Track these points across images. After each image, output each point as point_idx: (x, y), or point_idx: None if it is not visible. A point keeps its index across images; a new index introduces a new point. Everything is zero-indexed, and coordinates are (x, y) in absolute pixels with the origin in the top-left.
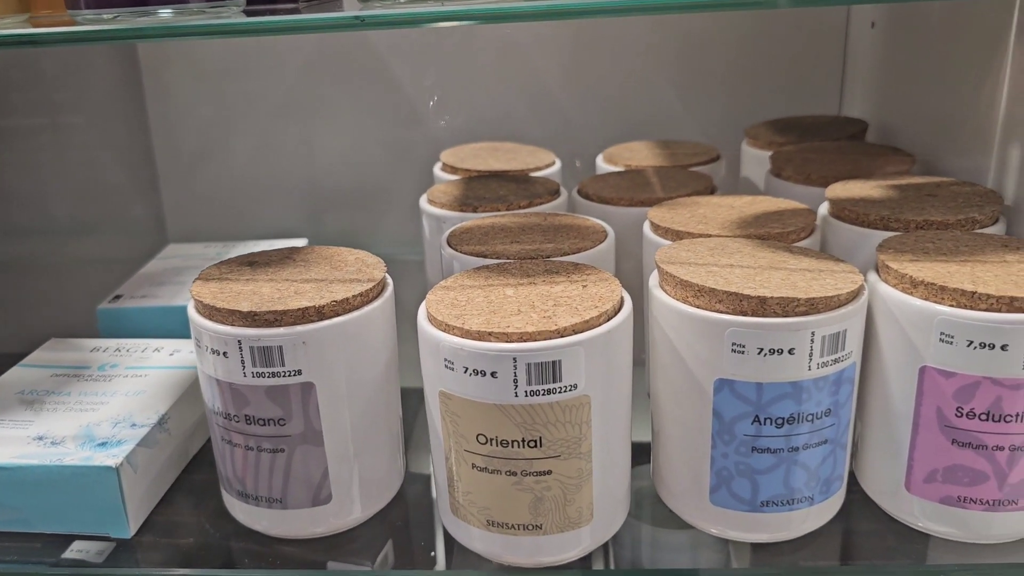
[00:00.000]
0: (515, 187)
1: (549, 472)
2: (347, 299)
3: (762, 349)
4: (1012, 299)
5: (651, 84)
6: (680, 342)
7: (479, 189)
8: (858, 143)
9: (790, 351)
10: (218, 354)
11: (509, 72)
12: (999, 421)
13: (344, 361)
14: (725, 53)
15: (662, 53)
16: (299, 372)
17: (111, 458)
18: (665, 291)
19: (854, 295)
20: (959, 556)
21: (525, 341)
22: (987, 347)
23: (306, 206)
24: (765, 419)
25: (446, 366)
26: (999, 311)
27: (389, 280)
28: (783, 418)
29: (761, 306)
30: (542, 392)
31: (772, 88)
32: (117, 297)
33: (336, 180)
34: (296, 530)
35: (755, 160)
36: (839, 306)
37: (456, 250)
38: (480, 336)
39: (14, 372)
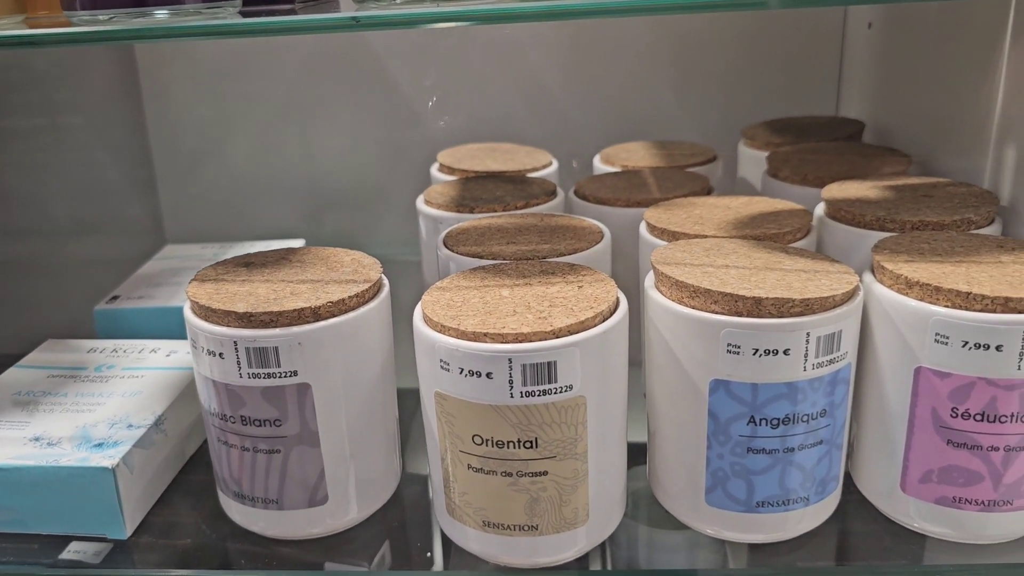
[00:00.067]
0: (512, 188)
1: (545, 473)
2: (343, 300)
3: (757, 350)
4: (1007, 300)
5: (649, 85)
6: (676, 343)
7: (476, 190)
8: (855, 144)
9: (785, 352)
10: (214, 355)
11: (507, 72)
12: (994, 422)
13: (340, 362)
14: (723, 54)
15: (660, 54)
16: (295, 373)
17: (107, 459)
18: (661, 292)
19: (849, 296)
20: (955, 556)
21: (520, 342)
22: (982, 348)
23: (304, 207)
24: (760, 420)
25: (442, 367)
26: (994, 312)
27: (385, 281)
28: (778, 419)
29: (756, 307)
30: (538, 393)
31: (769, 89)
32: (114, 298)
33: (334, 181)
34: (292, 531)
35: (752, 160)
36: (834, 307)
37: (452, 251)
38: (475, 337)
39: (11, 373)
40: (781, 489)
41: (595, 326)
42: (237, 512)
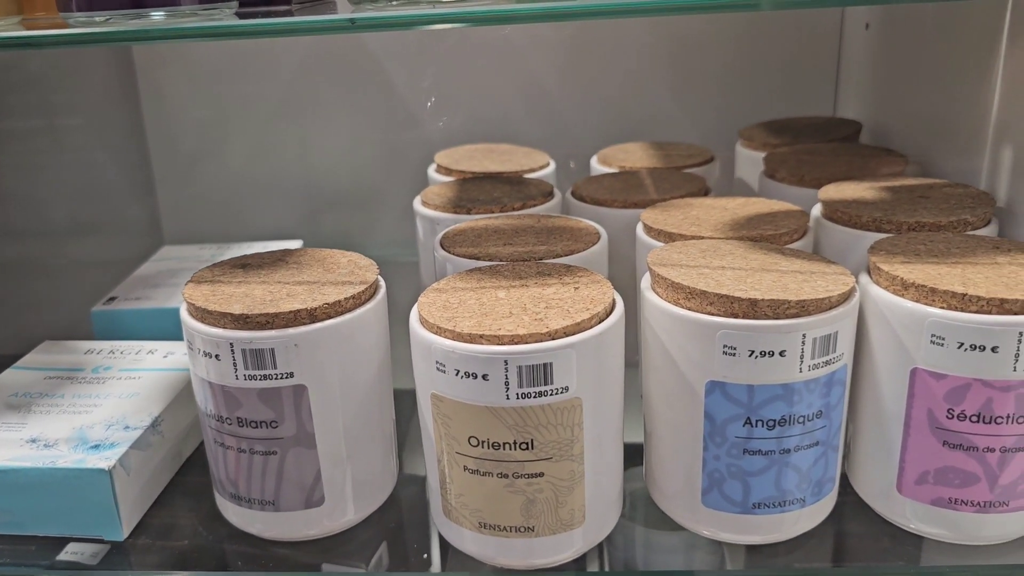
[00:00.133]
0: (509, 189)
1: (541, 474)
2: (339, 301)
3: (753, 351)
4: (1002, 301)
5: (646, 85)
6: (672, 344)
7: (473, 191)
8: (852, 144)
9: (781, 353)
10: (210, 356)
11: (504, 73)
12: (990, 423)
13: (336, 363)
14: (720, 54)
15: (657, 55)
16: (291, 375)
17: (104, 461)
18: (657, 293)
19: (845, 297)
20: (951, 558)
21: (516, 344)
22: (978, 349)
23: (301, 207)
24: (756, 421)
25: (438, 368)
26: (989, 313)
27: (382, 282)
28: (774, 420)
29: (752, 308)
30: (533, 394)
31: (767, 89)
32: (112, 299)
33: (331, 181)
34: (289, 532)
35: (749, 161)
36: (830, 308)
37: (449, 252)
38: (471, 339)
39: (8, 374)
40: (777, 490)
41: (591, 328)
42: (234, 514)
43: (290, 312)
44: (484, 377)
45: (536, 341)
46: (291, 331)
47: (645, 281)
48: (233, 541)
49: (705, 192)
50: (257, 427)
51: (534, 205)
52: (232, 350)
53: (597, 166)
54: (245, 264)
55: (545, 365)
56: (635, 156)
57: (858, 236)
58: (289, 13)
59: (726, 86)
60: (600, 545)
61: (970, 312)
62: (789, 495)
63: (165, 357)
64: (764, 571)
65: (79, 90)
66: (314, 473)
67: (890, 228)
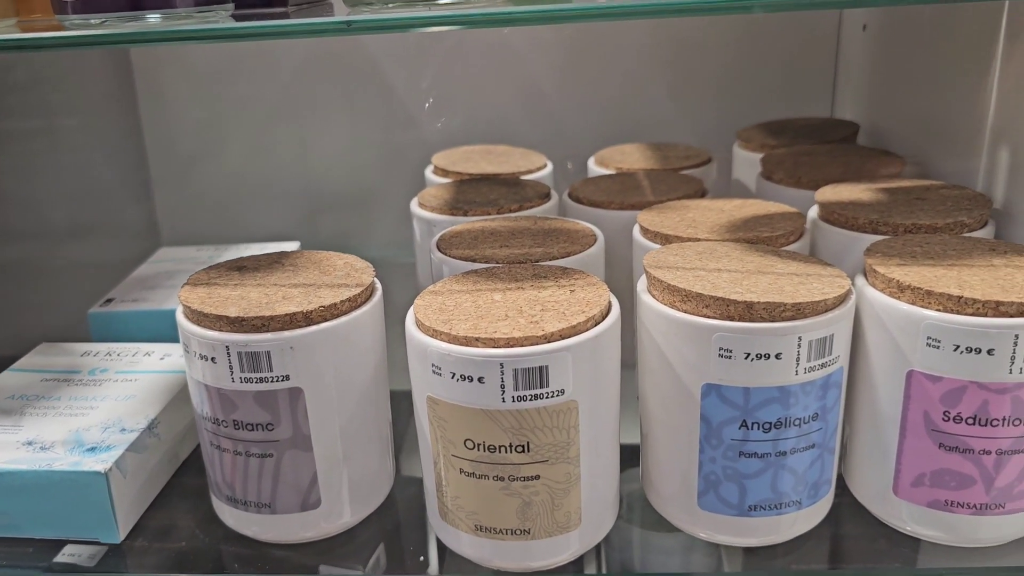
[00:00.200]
0: (506, 191)
1: (537, 477)
2: (335, 304)
3: (749, 354)
4: (998, 303)
5: (644, 86)
6: (668, 347)
7: (470, 192)
8: (849, 146)
9: (777, 356)
10: (206, 359)
11: (502, 74)
12: (986, 425)
13: (332, 366)
14: (718, 56)
15: (655, 56)
16: (287, 377)
17: (100, 463)
18: (653, 296)
19: (841, 300)
20: (948, 560)
21: (512, 347)
22: (973, 351)
23: (299, 209)
24: (752, 424)
25: (433, 371)
26: (985, 316)
27: (378, 285)
28: (770, 422)
29: (748, 311)
30: (529, 397)
31: (764, 90)
32: (109, 301)
33: (329, 183)
34: (286, 535)
35: (747, 162)
36: (826, 311)
37: (446, 254)
38: (467, 342)
39: (4, 376)
40: (773, 493)
41: (587, 330)
42: (230, 516)
43: (286, 315)
44: (480, 380)
45: (532, 344)
46: (287, 334)
47: (641, 283)
48: (230, 543)
49: (702, 193)
50: (253, 430)
51: (531, 207)
52: (228, 353)
53: (594, 167)
54: (241, 266)
55: (541, 368)
56: (632, 157)
57: (855, 238)
58: (285, 15)
59: (724, 87)
60: (598, 547)
61: (966, 315)
62: (785, 497)
63: (162, 359)
64: (761, 573)
65: (76, 91)
66: (310, 475)
67: (886, 230)
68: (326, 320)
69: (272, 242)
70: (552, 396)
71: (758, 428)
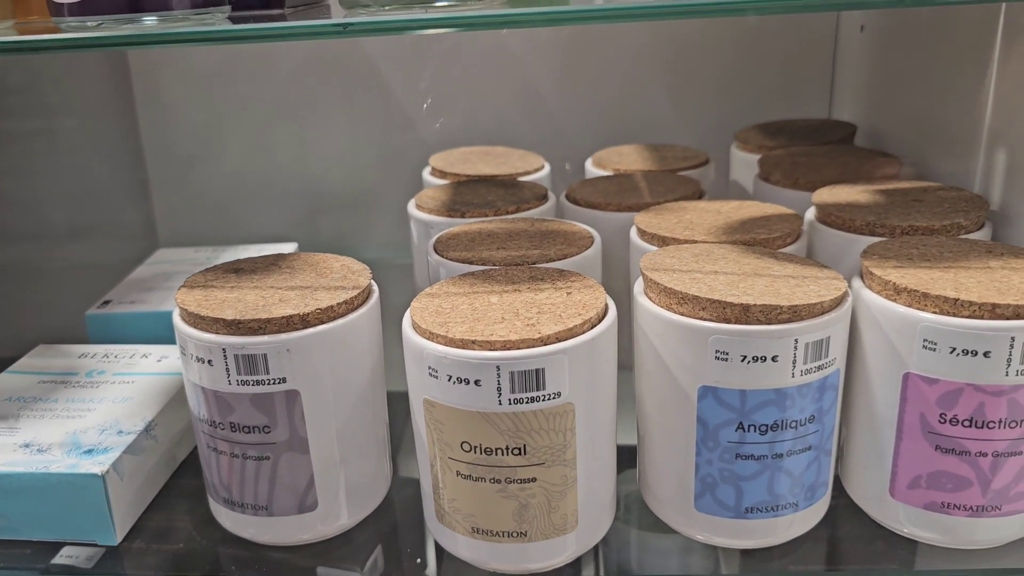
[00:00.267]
0: (503, 192)
1: (533, 479)
2: (331, 307)
3: (745, 356)
4: (994, 306)
5: (642, 88)
6: (664, 349)
7: (467, 194)
8: (847, 147)
9: (773, 358)
10: (203, 362)
11: (500, 76)
12: (982, 427)
13: (329, 368)
14: (716, 57)
15: (653, 57)
16: (284, 380)
17: (97, 465)
18: (649, 298)
19: (837, 302)
20: (945, 561)
21: (508, 349)
22: (970, 354)
23: (297, 210)
24: (749, 426)
25: (430, 374)
26: (981, 318)
27: (375, 287)
28: (767, 425)
29: (744, 314)
30: (526, 400)
31: (762, 92)
32: (106, 302)
33: (327, 184)
34: (283, 537)
35: (744, 164)
36: (822, 313)
37: (443, 256)
38: (463, 344)
39: (1, 378)
40: (770, 495)
41: (583, 333)
42: (227, 518)
43: (282, 317)
44: (476, 383)
45: (528, 347)
46: (283, 336)
47: (638, 286)
48: (227, 545)
49: (700, 195)
50: (250, 432)
51: (528, 208)
52: (224, 355)
53: (592, 169)
54: (238, 269)
55: (537, 371)
56: (630, 159)
57: (852, 240)
58: (282, 17)
59: (722, 88)
60: (595, 549)
61: (962, 317)
62: (782, 499)
63: (159, 361)
64: (759, 575)
65: (74, 93)
66: (307, 478)
67: (883, 232)
68: (323, 323)
69: (270, 243)
70: (548, 399)
71: (755, 430)
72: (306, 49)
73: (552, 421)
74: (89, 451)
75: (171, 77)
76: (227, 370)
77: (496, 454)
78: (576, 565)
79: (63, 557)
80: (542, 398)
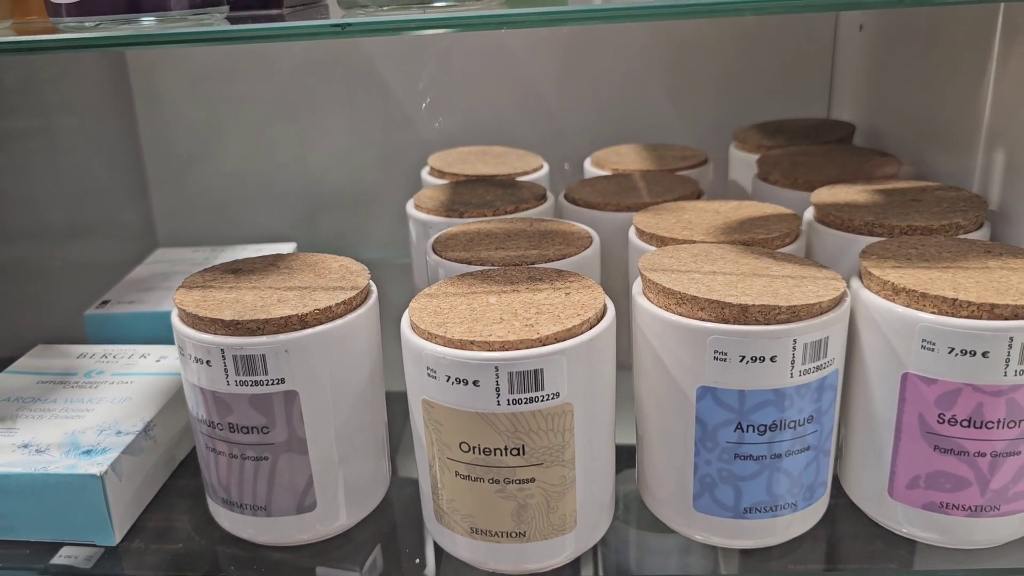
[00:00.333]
0: (501, 192)
1: (532, 480)
2: (330, 307)
3: (744, 357)
4: (992, 306)
5: (641, 87)
6: (663, 349)
7: (466, 194)
8: (846, 146)
9: (772, 359)
10: (201, 362)
11: (499, 75)
12: (980, 427)
13: (327, 369)
14: (715, 56)
15: (652, 57)
16: (282, 380)
17: (96, 466)
18: (648, 298)
19: (836, 302)
20: (943, 561)
21: (507, 350)
22: (968, 354)
23: (296, 210)
24: (748, 426)
25: (428, 374)
26: (980, 318)
27: (373, 287)
28: (765, 425)
29: (743, 314)
30: (524, 400)
31: (761, 91)
32: (105, 302)
33: (326, 184)
34: (282, 537)
35: (743, 163)
36: (821, 313)
37: (441, 256)
38: (462, 345)
39: (0, 379)
40: (769, 495)
41: (582, 333)
42: (226, 519)
43: (281, 318)
44: (475, 383)
45: (527, 347)
46: (282, 337)
47: (636, 286)
48: (226, 545)
49: (698, 194)
50: (248, 433)
51: (527, 208)
52: (223, 356)
53: (591, 168)
54: (236, 269)
55: (536, 371)
56: (629, 158)
57: (850, 240)
58: (280, 17)
59: (720, 87)
60: (594, 549)
61: (961, 317)
62: (781, 499)
63: (158, 361)
64: (758, 575)
65: (72, 92)
66: (306, 478)
67: (882, 232)
68: (321, 323)
69: (269, 243)
70: (547, 399)
71: (753, 431)
72: (305, 49)
73: (551, 421)
74: (88, 451)
75: (170, 77)
76: (225, 371)
77: (495, 454)
78: (575, 565)
79: (62, 557)
80: (541, 398)
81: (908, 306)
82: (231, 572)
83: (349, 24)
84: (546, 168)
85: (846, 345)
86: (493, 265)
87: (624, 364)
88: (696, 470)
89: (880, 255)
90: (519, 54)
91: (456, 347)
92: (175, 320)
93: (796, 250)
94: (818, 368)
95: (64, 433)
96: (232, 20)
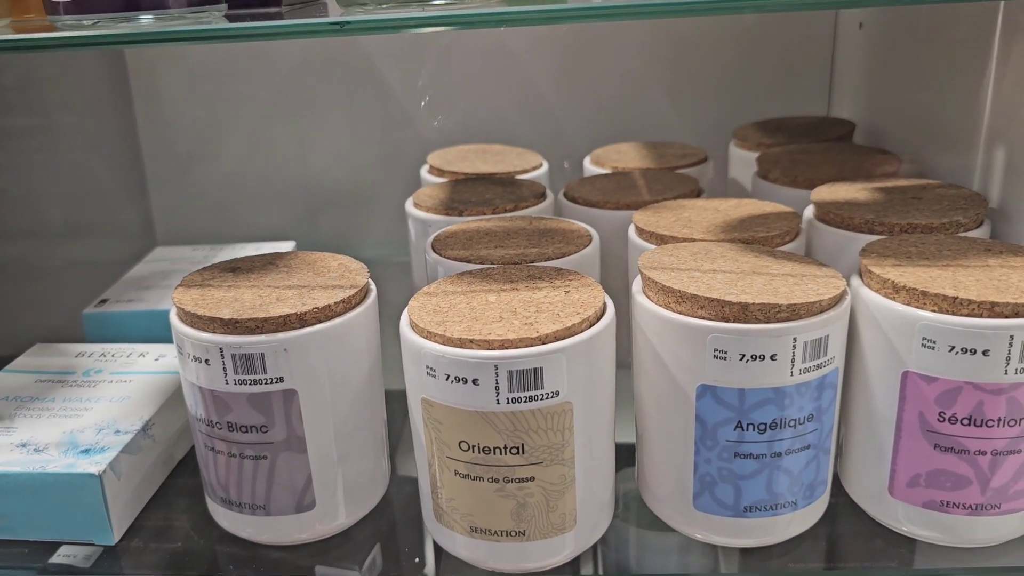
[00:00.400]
0: (501, 190)
1: (532, 479)
2: (329, 306)
3: (744, 355)
4: (993, 304)
5: (641, 85)
6: (663, 348)
7: (465, 192)
8: (846, 144)
9: (772, 357)
10: (200, 361)
11: (499, 73)
12: (981, 426)
13: (326, 368)
14: (715, 54)
15: (651, 55)
16: (281, 379)
17: (94, 465)
18: (648, 297)
19: (836, 300)
20: (944, 560)
21: (506, 348)
22: (968, 352)
23: (295, 208)
24: (748, 425)
25: (428, 373)
26: (980, 316)
27: (372, 286)
28: (765, 424)
29: (743, 312)
30: (524, 399)
31: (760, 89)
32: (103, 301)
33: (325, 182)
34: (281, 537)
35: (743, 161)
36: (821, 312)
37: (440, 255)
38: (461, 343)
39: None
40: (769, 494)
41: (581, 332)
42: (225, 518)
43: (279, 317)
44: (474, 382)
45: (526, 346)
46: (280, 336)
47: (636, 284)
48: (225, 544)
49: (698, 193)
50: (247, 431)
51: (526, 207)
52: (222, 355)
53: (590, 167)
54: (235, 268)
55: (535, 370)
56: (628, 156)
57: (850, 238)
58: (279, 16)
59: (720, 85)
60: (594, 548)
61: (961, 315)
62: (781, 498)
63: (157, 360)
64: (757, 574)
65: (71, 90)
66: (305, 477)
67: (882, 230)
68: (320, 322)
69: (268, 241)
70: (547, 398)
71: (753, 429)
72: (304, 47)
73: (550, 420)
74: (86, 451)
75: (169, 75)
76: (224, 369)
77: (494, 453)
78: (575, 564)
79: (60, 557)
80: (540, 397)
81: (908, 304)
82: (230, 571)
83: (348, 22)
84: (546, 166)
85: (846, 343)
86: (492, 263)
87: (624, 363)
88: (696, 469)
89: (880, 253)
90: (518, 52)
91: (455, 346)
92: (174, 319)
93: (796, 248)
94: (818, 366)
95: (62, 432)
96: (230, 18)
